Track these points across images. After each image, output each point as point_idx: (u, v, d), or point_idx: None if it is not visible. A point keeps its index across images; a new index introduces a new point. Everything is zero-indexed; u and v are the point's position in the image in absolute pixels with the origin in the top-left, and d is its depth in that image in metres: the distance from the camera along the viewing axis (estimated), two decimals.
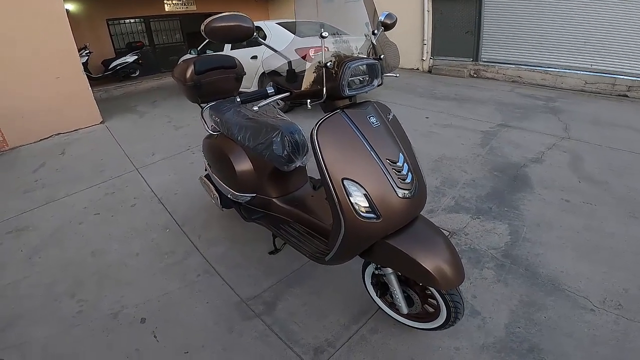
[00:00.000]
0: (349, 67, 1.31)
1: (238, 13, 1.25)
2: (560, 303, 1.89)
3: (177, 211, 2.95)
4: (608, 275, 2.06)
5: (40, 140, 5.02)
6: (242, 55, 5.22)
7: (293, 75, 1.41)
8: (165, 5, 10.34)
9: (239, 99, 1.43)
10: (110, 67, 9.10)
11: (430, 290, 1.50)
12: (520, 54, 7.60)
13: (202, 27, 1.22)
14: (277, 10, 12.15)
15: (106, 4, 9.27)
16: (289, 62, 1.43)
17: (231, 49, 6.20)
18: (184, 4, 10.66)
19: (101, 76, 8.94)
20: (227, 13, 1.23)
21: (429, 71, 8.86)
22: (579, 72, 6.85)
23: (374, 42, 1.53)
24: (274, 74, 1.56)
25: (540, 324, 1.78)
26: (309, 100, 1.40)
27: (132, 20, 10.19)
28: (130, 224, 2.84)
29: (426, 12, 8.56)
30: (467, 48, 8.31)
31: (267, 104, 1.41)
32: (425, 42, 8.78)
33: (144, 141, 4.69)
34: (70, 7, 8.63)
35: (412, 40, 8.83)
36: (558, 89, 6.93)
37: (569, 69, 6.98)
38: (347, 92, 1.35)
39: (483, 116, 5.02)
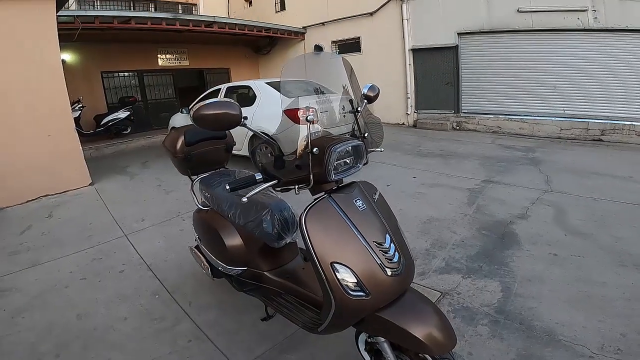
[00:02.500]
0: (334, 152, 1.38)
1: (227, 100, 1.32)
2: (558, 353, 1.89)
3: (167, 278, 2.90)
4: (603, 323, 2.07)
5: (28, 201, 4.95)
6: None
7: (280, 161, 1.47)
8: (159, 59, 10.67)
9: (227, 187, 1.47)
10: (102, 123, 9.05)
11: (424, 355, 1.49)
12: (498, 103, 7.99)
13: (191, 113, 1.29)
14: (267, 66, 12.65)
15: (102, 56, 9.47)
16: (278, 147, 1.51)
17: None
18: (177, 59, 11.02)
19: (92, 133, 8.89)
20: (215, 100, 1.30)
21: (414, 125, 9.16)
22: (553, 118, 7.20)
23: (357, 120, 1.61)
24: (266, 140, 1.62)
25: None
26: (297, 187, 1.46)
27: (125, 74, 10.36)
28: (118, 289, 2.77)
29: (408, 66, 9.01)
30: (449, 100, 8.68)
31: (256, 193, 1.45)
32: (409, 95, 9.17)
33: (134, 205, 4.66)
34: (66, 57, 8.71)
35: (397, 95, 9.20)
36: (535, 137, 7.25)
37: (543, 116, 7.33)
38: (334, 176, 1.41)
39: (468, 172, 5.17)
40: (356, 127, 1.63)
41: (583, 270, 2.62)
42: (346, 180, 1.59)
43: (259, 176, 1.48)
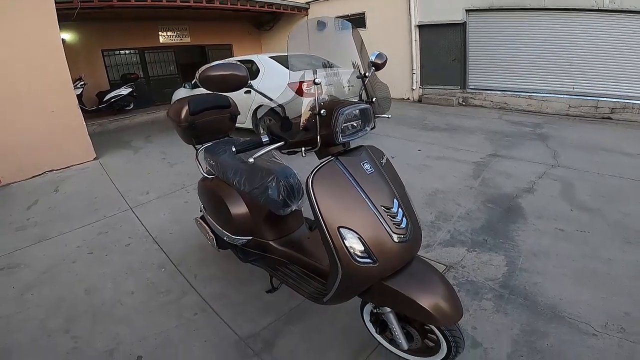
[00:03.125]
0: (342, 114, 1.35)
1: (233, 62, 1.29)
2: (562, 330, 1.90)
3: (173, 251, 2.93)
4: (607, 301, 2.07)
5: (34, 177, 4.98)
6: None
7: (287, 123, 1.43)
8: (160, 37, 10.50)
9: (234, 149, 1.44)
10: (105, 99, 9.05)
11: (430, 326, 1.50)
12: (506, 79, 7.83)
13: (197, 75, 1.25)
14: (270, 42, 12.43)
15: (102, 35, 9.37)
16: (283, 109, 1.46)
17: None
18: (178, 36, 10.83)
19: (95, 109, 8.91)
20: (221, 62, 1.27)
21: (419, 100, 9.05)
22: (562, 96, 7.07)
23: (365, 85, 1.57)
24: (268, 114, 1.59)
25: (543, 352, 1.77)
26: (303, 149, 1.43)
27: (127, 52, 10.26)
28: (124, 263, 2.80)
29: (414, 42, 8.82)
30: (455, 76, 8.52)
31: (261, 154, 1.42)
32: (415, 71, 9.01)
33: (138, 179, 4.67)
34: (66, 36, 8.65)
35: (402, 71, 9.06)
36: (543, 113, 7.12)
37: (552, 93, 7.20)
38: (341, 139, 1.39)
39: (474, 146, 5.12)
40: (364, 92, 1.59)
41: (589, 246, 2.61)
42: (353, 145, 1.57)
43: (265, 138, 1.45)
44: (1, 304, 2.40)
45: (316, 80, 1.31)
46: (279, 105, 1.47)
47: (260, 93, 1.43)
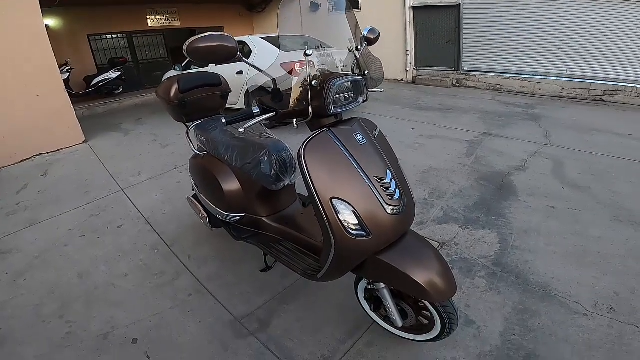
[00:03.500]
0: (334, 85, 1.32)
1: (221, 33, 1.25)
2: (553, 309, 1.92)
3: (166, 231, 2.91)
4: (598, 280, 2.09)
5: (22, 161, 4.90)
6: (227, 70, 5.23)
7: (279, 94, 1.41)
8: (149, 20, 10.28)
9: (224, 120, 1.42)
10: (93, 83, 8.94)
11: (424, 303, 1.51)
12: (499, 61, 7.80)
13: (185, 47, 1.21)
14: (262, 25, 12.22)
15: (87, 19, 9.19)
16: (274, 81, 1.44)
17: (216, 65, 6.19)
18: (167, 19, 10.61)
19: (83, 93, 8.80)
20: (209, 33, 1.22)
21: (413, 81, 9.01)
22: (555, 78, 7.07)
23: (357, 57, 1.55)
24: (259, 90, 1.56)
25: (535, 331, 1.79)
26: (295, 120, 1.41)
27: (114, 36, 10.08)
28: (117, 245, 2.78)
29: (408, 23, 8.73)
30: (449, 58, 8.48)
31: (252, 125, 1.40)
32: (409, 52, 8.95)
33: (129, 160, 4.62)
34: (50, 22, 8.50)
35: (396, 52, 8.98)
36: (536, 95, 7.13)
37: (545, 76, 7.19)
38: (333, 110, 1.36)
39: (467, 126, 5.12)
40: (356, 66, 1.56)
41: (579, 224, 2.63)
42: (346, 117, 1.55)
43: (256, 109, 1.43)
44: None
45: (307, 52, 1.28)
46: (272, 78, 1.44)
47: (251, 65, 1.41)
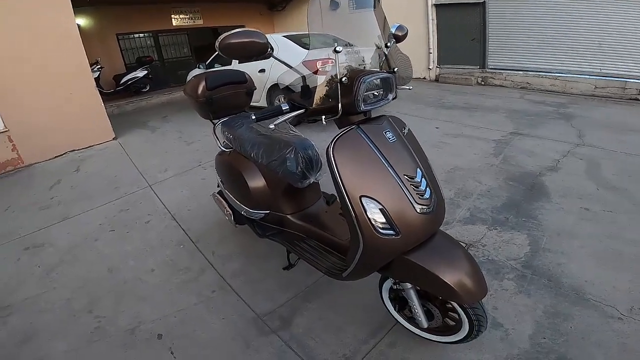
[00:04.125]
0: (364, 82, 1.30)
1: (252, 29, 1.25)
2: (587, 312, 1.85)
3: (191, 227, 2.96)
4: (634, 284, 2.00)
5: (55, 157, 5.10)
6: (249, 69, 5.28)
7: (308, 91, 1.40)
8: (173, 20, 10.48)
9: (253, 117, 1.42)
10: (122, 82, 9.20)
11: (452, 304, 1.47)
12: (528, 60, 7.56)
13: (217, 43, 1.22)
14: (282, 23, 12.26)
15: (116, 19, 9.42)
16: (304, 78, 1.42)
17: (239, 63, 6.26)
18: (191, 19, 10.79)
19: (112, 92, 9.05)
20: (241, 29, 1.23)
21: (436, 80, 8.87)
22: (588, 76, 6.79)
23: (386, 54, 1.52)
24: (287, 90, 1.56)
25: (567, 334, 1.73)
26: (324, 117, 1.39)
27: (141, 35, 10.33)
28: (145, 240, 2.85)
29: (430, 21, 8.58)
30: (474, 55, 8.30)
31: (283, 121, 1.39)
32: (431, 50, 8.80)
33: (156, 157, 4.74)
34: (81, 21, 8.73)
35: (418, 50, 8.84)
36: (568, 94, 6.87)
37: (578, 74, 6.93)
38: (363, 107, 1.34)
39: (494, 125, 4.98)
40: (385, 63, 1.53)
41: (615, 227, 2.52)
42: (375, 115, 1.53)
43: (285, 106, 1.42)
44: (28, 284, 2.46)
45: (337, 48, 1.26)
46: (301, 76, 1.42)
47: (282, 61, 1.40)
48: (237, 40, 1.21)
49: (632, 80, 6.32)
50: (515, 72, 7.71)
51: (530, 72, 7.51)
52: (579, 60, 6.92)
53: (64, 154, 5.19)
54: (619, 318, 1.79)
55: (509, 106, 6.01)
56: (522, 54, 7.62)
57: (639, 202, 2.80)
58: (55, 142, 5.10)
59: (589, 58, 6.79)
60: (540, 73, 7.38)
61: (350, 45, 1.48)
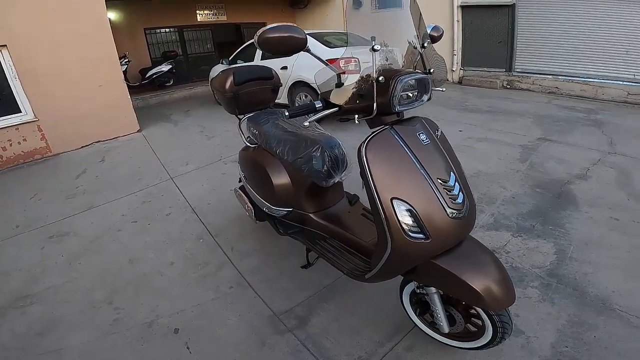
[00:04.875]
0: (401, 82, 1.27)
1: (290, 24, 1.24)
2: (612, 322, 1.79)
3: (211, 222, 2.98)
4: None
5: (82, 147, 5.24)
6: (272, 66, 5.31)
7: (342, 90, 1.38)
8: (198, 15, 10.62)
9: (287, 113, 1.41)
10: (147, 75, 9.37)
11: (476, 310, 1.44)
12: (558, 64, 7.36)
13: (256, 37, 1.22)
14: (304, 21, 12.24)
15: (144, 14, 9.61)
16: (338, 76, 1.40)
17: (261, 59, 6.28)
18: (215, 15, 10.91)
19: (138, 85, 9.24)
20: (279, 24, 1.23)
21: (459, 82, 8.73)
22: (621, 82, 6.56)
23: (422, 55, 1.48)
24: (322, 87, 1.54)
25: (590, 344, 1.68)
26: (356, 116, 1.36)
27: (167, 30, 10.50)
28: (165, 232, 2.89)
29: (456, 22, 8.45)
30: (500, 58, 8.13)
31: (317, 118, 1.38)
32: (455, 52, 8.67)
33: (178, 150, 4.81)
34: (112, 15, 8.91)
35: (442, 51, 8.57)
36: (599, 100, 6.65)
37: (610, 80, 6.69)
38: (397, 108, 1.31)
39: (520, 129, 4.85)
40: (420, 64, 1.50)
41: None
42: (407, 115, 1.50)
43: (318, 104, 1.41)
44: (50, 273, 2.52)
45: (375, 47, 1.23)
46: (337, 74, 1.41)
47: (319, 58, 1.39)
48: (275, 35, 1.21)
49: None
50: (544, 76, 7.51)
51: (559, 77, 7.31)
52: (610, 65, 6.70)
53: (90, 144, 5.33)
54: None
55: (537, 111, 5.85)
56: (552, 57, 7.41)
57: None
58: (83, 133, 5.24)
59: (622, 63, 6.57)
60: (570, 77, 7.16)
61: (386, 45, 1.45)
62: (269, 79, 2.47)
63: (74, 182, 4.01)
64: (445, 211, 1.30)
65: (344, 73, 1.43)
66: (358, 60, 1.29)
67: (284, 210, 2.15)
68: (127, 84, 6.65)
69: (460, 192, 1.36)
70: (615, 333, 1.73)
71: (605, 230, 2.54)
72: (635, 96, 6.35)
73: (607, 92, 6.68)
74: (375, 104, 1.30)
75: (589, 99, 6.73)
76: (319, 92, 1.50)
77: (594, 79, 6.88)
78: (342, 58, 1.58)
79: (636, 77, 6.42)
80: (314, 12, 11.67)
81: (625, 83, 6.51)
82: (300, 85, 5.58)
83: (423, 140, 1.38)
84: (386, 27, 1.57)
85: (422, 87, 1.38)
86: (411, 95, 1.36)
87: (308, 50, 1.30)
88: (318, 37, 5.64)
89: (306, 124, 1.36)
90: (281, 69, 5.68)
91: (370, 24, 1.60)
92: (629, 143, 4.18)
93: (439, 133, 1.52)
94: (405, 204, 1.28)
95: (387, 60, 1.41)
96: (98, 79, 5.27)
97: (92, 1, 5.09)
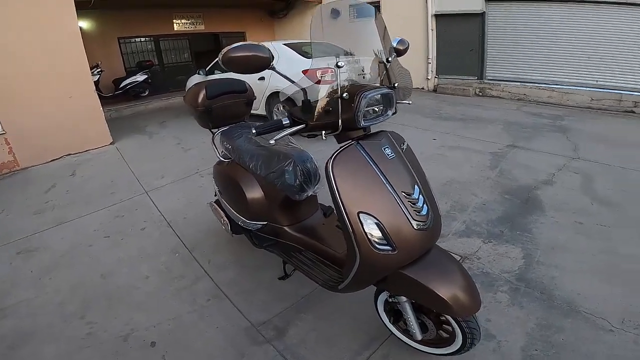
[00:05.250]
0: (365, 97, 1.31)
1: (255, 43, 1.27)
2: (578, 325, 1.87)
3: (187, 235, 2.95)
4: (626, 297, 2.02)
5: (52, 160, 5.07)
6: (249, 76, 5.30)
7: (309, 106, 1.41)
8: (175, 24, 10.54)
9: (254, 130, 1.43)
10: (121, 86, 9.17)
11: (446, 317, 1.49)
12: (526, 71, 7.65)
13: (220, 57, 1.24)
14: (283, 30, 12.33)
15: (118, 22, 9.45)
16: (304, 91, 1.43)
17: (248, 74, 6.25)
18: (192, 24, 10.85)
19: (111, 95, 9.02)
20: (243, 43, 1.25)
21: (434, 90, 8.91)
22: (585, 88, 6.88)
23: (387, 69, 1.53)
24: (287, 101, 1.57)
25: (558, 346, 1.75)
26: (323, 132, 1.40)
27: (142, 39, 10.34)
28: (140, 247, 2.84)
29: (430, 31, 8.65)
30: (472, 66, 8.36)
31: (283, 137, 1.41)
32: (430, 61, 8.86)
33: (154, 163, 4.73)
34: (84, 24, 8.74)
35: (417, 60, 8.89)
36: (564, 106, 6.94)
37: (575, 86, 7.01)
38: (362, 123, 1.35)
39: (491, 137, 5.01)
40: (385, 78, 1.54)
41: (609, 241, 2.54)
42: (374, 130, 1.54)
43: (285, 121, 1.43)
44: (20, 288, 2.45)
45: (339, 64, 1.27)
46: (302, 89, 1.43)
47: (283, 75, 1.41)
48: (240, 54, 1.23)
49: (627, 92, 6.40)
50: (513, 83, 7.80)
51: (527, 84, 7.60)
52: (575, 71, 7.02)
53: (60, 157, 5.16)
54: (610, 330, 1.81)
55: (506, 118, 6.06)
56: (520, 65, 7.71)
57: (633, 217, 2.82)
58: (52, 146, 5.07)
59: (585, 70, 6.89)
60: (538, 84, 7.46)
61: (351, 54, 1.49)
62: (243, 92, 2.48)
63: (43, 197, 3.89)
64: (411, 223, 1.34)
65: (319, 83, 1.46)
66: (337, 76, 1.31)
67: (259, 223, 2.15)
68: (100, 95, 6.49)
69: (425, 204, 1.40)
70: (581, 335, 1.80)
71: (571, 235, 2.65)
72: (598, 102, 6.67)
73: (572, 98, 6.98)
74: (340, 120, 1.34)
75: (555, 105, 7.02)
76: (286, 109, 1.52)
77: (560, 85, 7.19)
78: (319, 69, 1.62)
79: (598, 82, 6.73)
80: (293, 22, 11.76)
81: (588, 89, 6.82)
82: (277, 96, 5.58)
83: (388, 155, 1.43)
84: (360, 37, 1.62)
85: (387, 101, 1.42)
86: (377, 110, 1.40)
87: (273, 68, 1.33)
88: (296, 47, 5.67)
89: (272, 142, 1.37)
90: (259, 79, 5.67)
91: (344, 34, 1.64)
92: (592, 148, 4.38)
93: (405, 146, 1.56)
94: (372, 218, 1.32)
95: (355, 71, 1.46)
96: (68, 89, 5.13)
97: (62, 11, 4.97)
